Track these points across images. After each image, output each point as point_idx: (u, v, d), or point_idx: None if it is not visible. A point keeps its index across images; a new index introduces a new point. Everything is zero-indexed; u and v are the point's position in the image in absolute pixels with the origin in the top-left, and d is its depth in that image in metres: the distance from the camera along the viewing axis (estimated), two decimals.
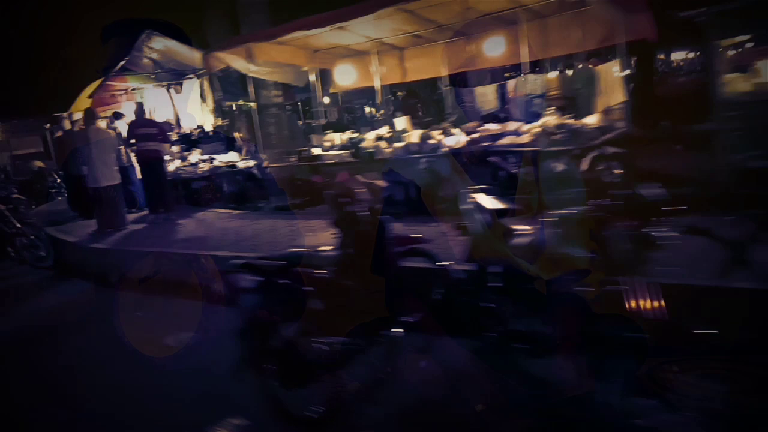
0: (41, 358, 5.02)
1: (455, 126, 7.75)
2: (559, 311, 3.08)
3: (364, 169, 7.76)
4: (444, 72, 9.41)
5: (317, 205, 8.66)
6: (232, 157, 10.72)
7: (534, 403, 3.12)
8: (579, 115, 7.19)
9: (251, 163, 10.10)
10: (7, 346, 5.51)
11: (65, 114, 11.78)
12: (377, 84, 10.02)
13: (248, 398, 3.42)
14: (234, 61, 8.60)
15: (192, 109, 12.49)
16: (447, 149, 7.17)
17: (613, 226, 2.96)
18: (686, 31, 6.56)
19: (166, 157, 9.82)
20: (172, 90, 12.47)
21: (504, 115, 8.23)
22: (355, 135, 9.06)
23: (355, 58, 10.08)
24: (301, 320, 3.30)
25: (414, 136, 7.76)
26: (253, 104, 10.17)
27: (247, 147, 10.90)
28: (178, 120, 12.39)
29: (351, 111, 19.88)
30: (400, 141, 8.04)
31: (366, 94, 16.98)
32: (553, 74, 8.60)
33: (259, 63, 8.75)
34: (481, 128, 7.41)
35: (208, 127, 12.11)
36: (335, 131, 9.87)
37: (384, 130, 8.87)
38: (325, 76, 10.31)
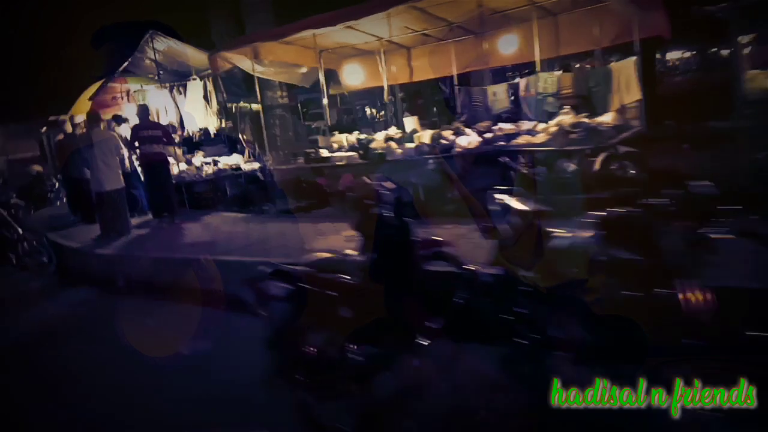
0: (49, 367, 4.83)
1: (467, 126, 7.60)
2: (559, 313, 3.05)
3: (375, 171, 7.64)
4: (453, 71, 9.27)
5: (325, 207, 8.51)
6: (236, 159, 10.55)
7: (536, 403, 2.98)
8: (594, 114, 7.05)
9: (255, 165, 9.92)
10: (14, 355, 5.31)
11: (66, 117, 11.55)
12: (385, 84, 9.88)
13: (278, 410, 3.26)
14: (241, 61, 8.44)
15: (195, 111, 12.30)
16: (460, 149, 7.02)
17: (665, 228, 2.80)
18: (706, 27, 6.43)
19: (170, 160, 9.63)
20: (174, 92, 12.29)
21: (514, 114, 8.09)
22: (364, 136, 8.90)
23: (362, 58, 9.95)
24: (332, 328, 3.15)
25: (425, 136, 7.60)
26: (256, 106, 10.01)
27: (251, 149, 10.73)
28: (181, 122, 12.21)
29: (352, 112, 19.77)
30: (410, 141, 7.89)
31: (372, 94, 16.88)
32: (565, 72, 8.46)
33: (266, 63, 8.61)
34: (494, 127, 7.26)
35: (212, 129, 11.94)
36: (342, 132, 9.71)
37: (393, 131, 8.71)
38: (331, 77, 10.16)
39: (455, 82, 9.53)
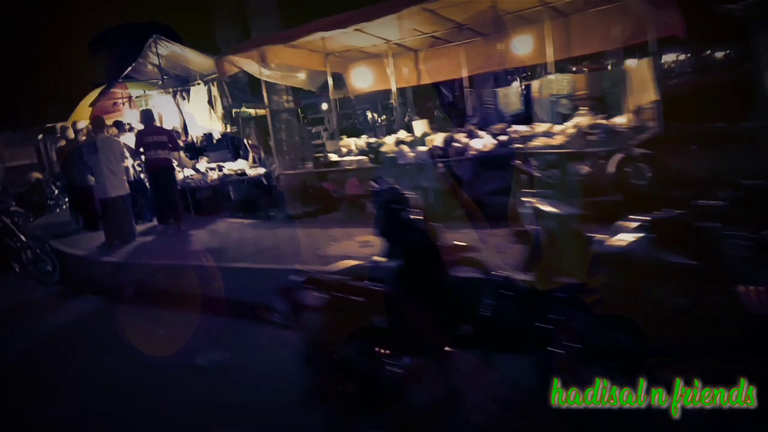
0: (59, 378, 4.66)
1: (480, 128, 7.47)
2: (560, 314, 3.07)
3: (387, 175, 7.51)
4: (463, 73, 9.17)
5: (334, 212, 8.37)
6: (241, 164, 10.41)
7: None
8: (610, 115, 6.95)
9: (261, 170, 9.77)
10: (21, 366, 5.13)
11: (68, 123, 11.37)
12: (393, 87, 9.76)
13: (314, 425, 3.11)
14: (248, 64, 8.31)
15: (199, 116, 12.15)
16: (475, 152, 6.90)
17: (721, 230, 2.69)
18: (725, 26, 6.33)
19: (175, 164, 9.47)
20: (178, 97, 12.13)
21: (527, 116, 7.98)
22: (374, 139, 8.77)
23: (369, 61, 9.83)
24: (371, 338, 3.01)
25: (438, 139, 7.47)
26: (262, 111, 9.88)
27: (257, 154, 10.58)
28: (185, 127, 12.05)
29: (352, 117, 19.66)
30: (422, 145, 7.76)
31: (373, 98, 16.80)
32: (580, 74, 8.38)
33: (273, 66, 8.47)
34: (509, 130, 7.14)
35: (216, 134, 11.80)
36: (350, 136, 9.58)
37: (403, 134, 8.59)
38: (336, 80, 10.04)
39: (465, 84, 9.41)
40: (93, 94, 12.02)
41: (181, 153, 9.96)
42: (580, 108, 6.98)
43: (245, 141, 11.07)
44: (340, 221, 7.88)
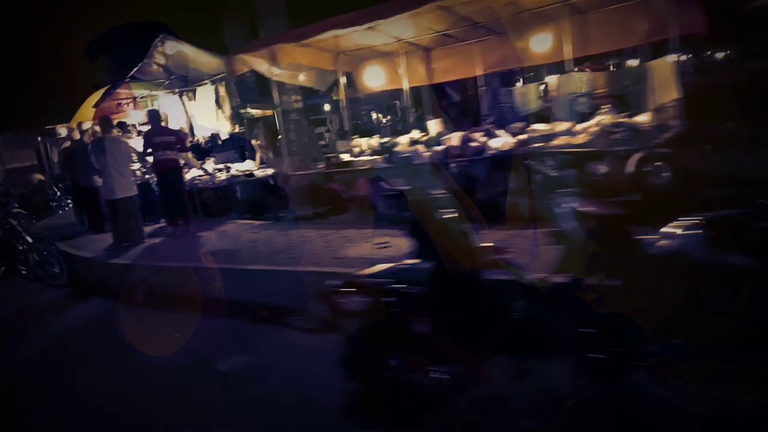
0: (72, 384, 4.49)
1: (498, 127, 7.34)
2: (560, 314, 3.04)
3: (398, 175, 7.37)
4: (477, 72, 9.04)
5: (345, 213, 8.22)
6: (249, 165, 10.25)
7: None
8: (632, 114, 6.82)
9: (269, 171, 9.62)
10: (33, 371, 4.96)
11: (73, 124, 11.20)
12: (405, 86, 9.62)
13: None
14: (259, 64, 8.16)
15: (206, 116, 11.98)
16: (494, 151, 6.76)
17: None
18: (749, 22, 6.20)
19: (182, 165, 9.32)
20: (184, 97, 11.97)
21: (545, 115, 7.85)
22: (387, 139, 8.63)
23: (380, 60, 9.70)
24: (410, 343, 2.86)
25: (454, 138, 7.33)
26: (270, 111, 9.73)
27: (265, 154, 10.43)
28: (191, 128, 11.89)
29: (358, 117, 19.53)
30: (438, 144, 7.62)
31: (379, 98, 16.68)
32: (600, 71, 8.25)
33: (284, 66, 8.32)
34: (528, 129, 7.01)
35: (224, 135, 11.63)
36: (362, 136, 9.44)
37: (417, 134, 8.45)
38: (349, 80, 9.91)
39: (479, 83, 9.29)
40: (96, 95, 11.83)
41: (189, 153, 9.81)
42: (602, 106, 6.84)
43: (252, 142, 10.91)
44: (352, 222, 7.74)
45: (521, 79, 11.11)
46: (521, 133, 6.96)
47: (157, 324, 5.69)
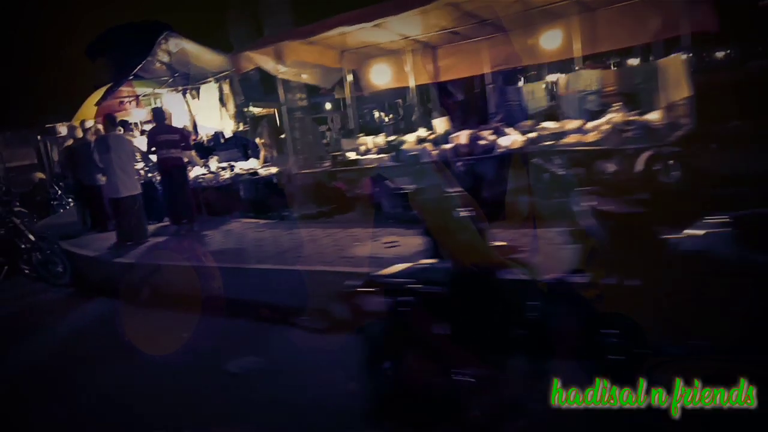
0: (76, 384, 4.41)
1: (507, 125, 7.27)
2: (559, 312, 3.03)
3: (406, 174, 7.29)
4: (484, 70, 8.97)
5: (351, 212, 8.14)
6: (252, 163, 10.18)
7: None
8: (642, 112, 6.74)
9: (273, 169, 9.54)
10: (37, 371, 4.88)
11: (76, 123, 11.09)
12: (412, 84, 9.55)
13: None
14: (265, 61, 8.07)
15: (210, 114, 11.90)
16: (503, 149, 6.69)
17: None
18: (760, 20, 6.12)
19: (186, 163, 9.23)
20: (188, 95, 11.88)
21: (553, 113, 7.77)
22: (393, 137, 8.56)
23: (387, 57, 9.63)
24: (433, 347, 2.78)
25: (463, 136, 7.25)
26: (274, 109, 9.65)
27: (270, 153, 10.35)
28: (195, 126, 11.80)
29: (361, 116, 19.40)
30: (446, 142, 7.54)
31: (382, 96, 16.57)
32: (609, 69, 8.18)
33: (289, 63, 8.24)
34: (538, 127, 6.93)
35: (228, 133, 11.55)
36: (367, 134, 9.36)
37: (423, 132, 8.37)
38: (355, 77, 9.83)
39: (487, 81, 9.22)
40: (98, 94, 11.73)
41: (193, 152, 9.74)
42: (612, 104, 6.76)
43: (256, 140, 10.83)
44: (358, 221, 7.66)
45: (529, 77, 11.05)
46: (531, 131, 6.88)
47: (161, 323, 5.61)
